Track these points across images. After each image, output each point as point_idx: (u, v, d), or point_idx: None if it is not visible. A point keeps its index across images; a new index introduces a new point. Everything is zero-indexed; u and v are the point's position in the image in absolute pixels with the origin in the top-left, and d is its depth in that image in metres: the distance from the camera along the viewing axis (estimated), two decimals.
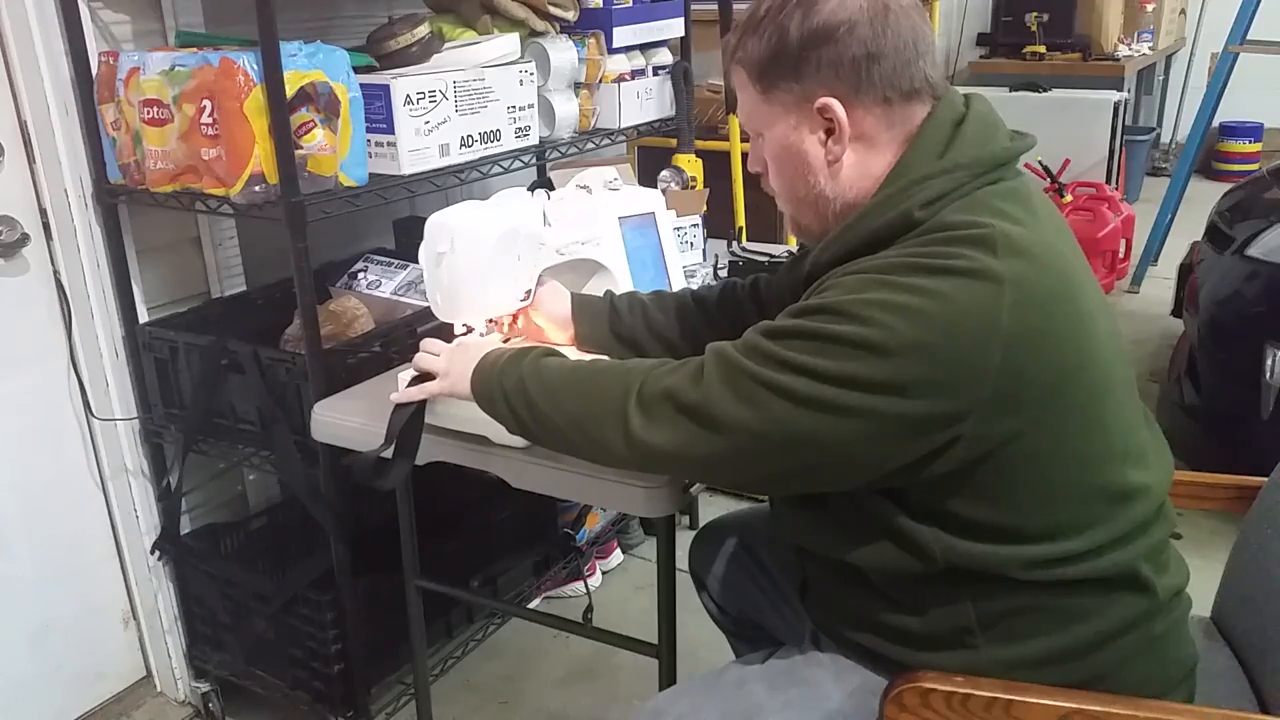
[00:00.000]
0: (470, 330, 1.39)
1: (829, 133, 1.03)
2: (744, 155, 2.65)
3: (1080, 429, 0.98)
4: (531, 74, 1.88)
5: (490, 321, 1.40)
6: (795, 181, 1.08)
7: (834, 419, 0.93)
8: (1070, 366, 0.96)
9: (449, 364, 1.26)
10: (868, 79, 1.00)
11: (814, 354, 0.94)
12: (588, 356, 1.35)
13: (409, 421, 1.29)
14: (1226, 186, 3.25)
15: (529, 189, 1.50)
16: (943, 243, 0.95)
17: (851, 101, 1.01)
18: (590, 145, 2.18)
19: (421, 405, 1.30)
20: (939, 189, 0.98)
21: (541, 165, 2.23)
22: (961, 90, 1.08)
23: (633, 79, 2.19)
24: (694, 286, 1.91)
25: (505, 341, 1.41)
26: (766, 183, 1.13)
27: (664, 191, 1.90)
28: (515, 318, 1.44)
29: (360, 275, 1.95)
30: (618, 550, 2.50)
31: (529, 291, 1.38)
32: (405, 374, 1.37)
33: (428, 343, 1.33)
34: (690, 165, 2.27)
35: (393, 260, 1.96)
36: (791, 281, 1.32)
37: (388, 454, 1.30)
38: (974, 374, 0.91)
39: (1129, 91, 5.08)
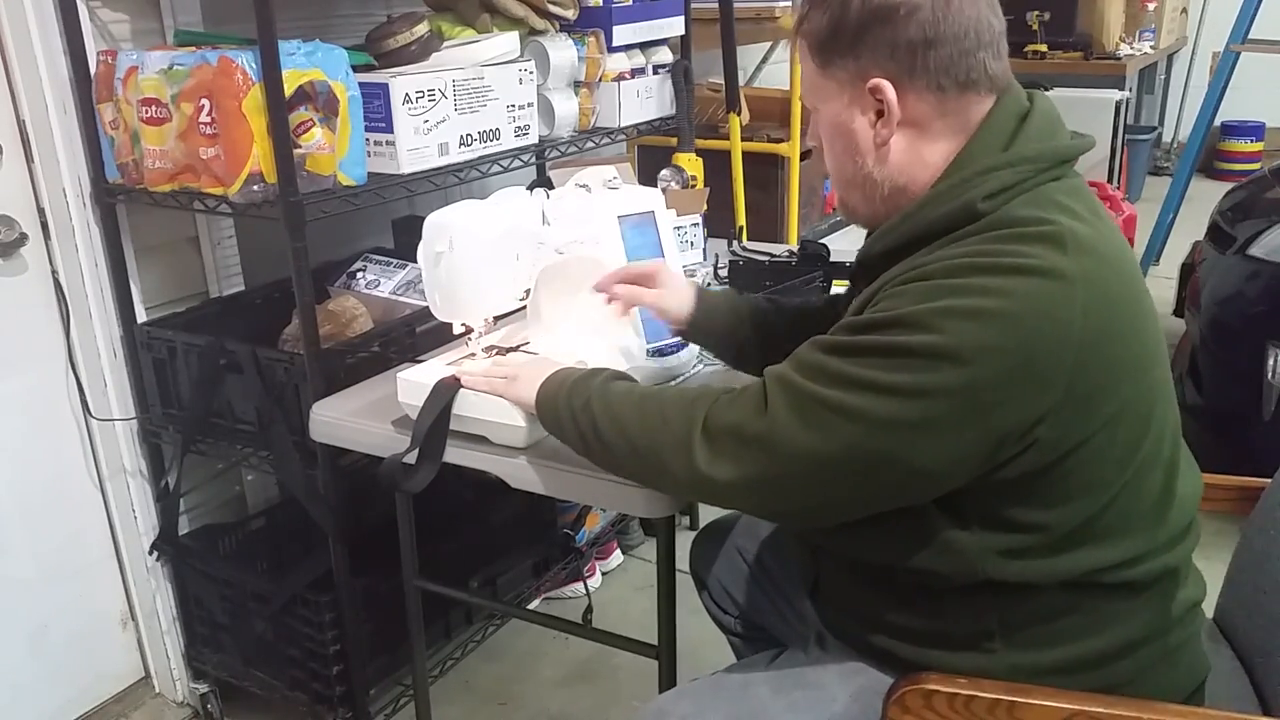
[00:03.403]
0: (470, 330, 1.39)
1: (879, 114, 1.02)
2: (744, 155, 2.67)
3: (1138, 433, 0.97)
4: (531, 73, 1.87)
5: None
6: (844, 160, 1.06)
7: (913, 435, 0.90)
8: (1135, 368, 0.95)
9: (520, 369, 1.27)
10: (922, 64, 0.98)
11: (888, 369, 0.90)
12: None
13: (434, 425, 1.29)
14: (1228, 186, 3.25)
15: (528, 188, 1.50)
16: (1011, 240, 0.92)
17: (904, 85, 0.99)
18: (590, 144, 2.17)
19: (447, 409, 1.30)
20: (1003, 181, 0.96)
21: (541, 164, 2.23)
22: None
23: (632, 78, 2.18)
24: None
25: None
26: (822, 159, 1.12)
27: (664, 190, 1.90)
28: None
29: (359, 275, 1.94)
30: (617, 551, 2.50)
31: (528, 291, 1.38)
32: (406, 374, 1.36)
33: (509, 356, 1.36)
34: (690, 164, 2.26)
35: (391, 260, 1.95)
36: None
37: (412, 458, 1.30)
38: (1050, 375, 0.89)
39: (1130, 90, 5.07)
